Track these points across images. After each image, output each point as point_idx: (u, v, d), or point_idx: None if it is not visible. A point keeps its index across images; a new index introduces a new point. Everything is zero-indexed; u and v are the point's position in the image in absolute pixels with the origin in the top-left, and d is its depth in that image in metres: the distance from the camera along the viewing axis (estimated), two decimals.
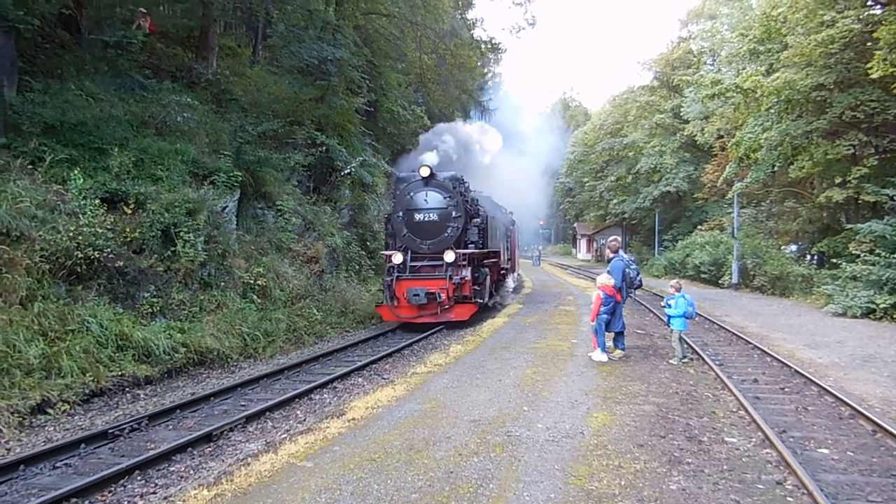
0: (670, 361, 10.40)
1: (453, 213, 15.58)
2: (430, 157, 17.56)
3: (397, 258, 15.39)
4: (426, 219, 15.72)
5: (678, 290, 10.71)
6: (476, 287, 15.92)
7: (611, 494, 4.82)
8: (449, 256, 15.17)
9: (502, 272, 22.04)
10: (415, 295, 14.57)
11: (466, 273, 15.29)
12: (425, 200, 15.80)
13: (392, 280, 15.08)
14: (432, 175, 15.87)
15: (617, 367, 9.93)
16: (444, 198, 15.72)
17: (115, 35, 13.68)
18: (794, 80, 19.56)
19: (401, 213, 15.86)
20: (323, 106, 20.12)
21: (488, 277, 17.71)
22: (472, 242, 16.17)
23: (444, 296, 14.64)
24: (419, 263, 15.60)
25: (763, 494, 4.99)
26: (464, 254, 15.45)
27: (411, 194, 15.92)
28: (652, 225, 45.59)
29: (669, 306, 10.52)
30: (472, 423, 6.73)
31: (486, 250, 17.03)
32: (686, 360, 10.47)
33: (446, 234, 15.54)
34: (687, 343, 11.11)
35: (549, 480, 5.09)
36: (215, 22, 18.23)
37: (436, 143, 19.52)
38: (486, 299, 17.54)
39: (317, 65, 19.32)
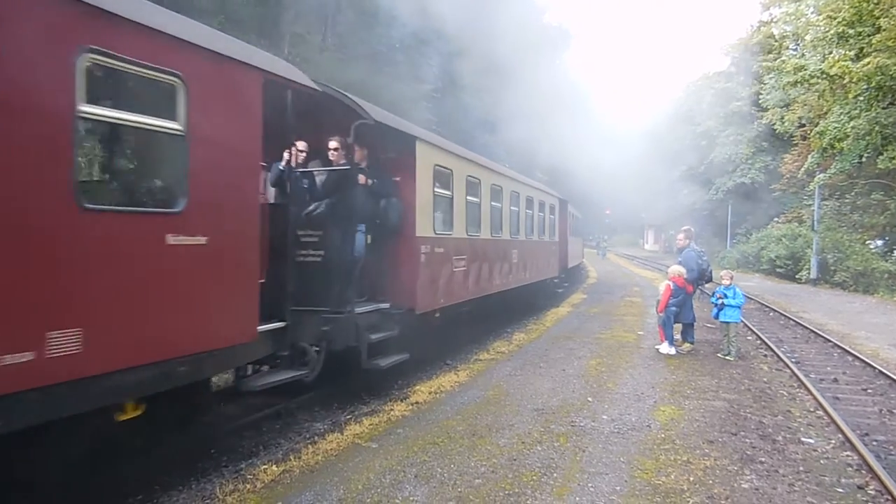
0: (727, 357, 9.90)
1: None
2: None
3: None
4: None
5: (732, 278, 10.31)
6: None
7: (679, 490, 4.69)
8: None
9: None
10: None
11: None
12: None
13: None
14: None
15: (685, 360, 9.66)
16: None
17: None
18: (887, 66, 18.40)
19: None
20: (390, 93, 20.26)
21: None
22: None
23: None
24: None
25: (843, 499, 4.76)
26: None
27: None
28: (724, 216, 44.00)
29: (726, 296, 9.94)
30: (535, 411, 6.69)
31: None
32: (730, 356, 9.95)
33: None
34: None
35: (615, 473, 5.00)
36: (286, 10, 18.62)
37: None
38: None
39: (385, 52, 19.48)
